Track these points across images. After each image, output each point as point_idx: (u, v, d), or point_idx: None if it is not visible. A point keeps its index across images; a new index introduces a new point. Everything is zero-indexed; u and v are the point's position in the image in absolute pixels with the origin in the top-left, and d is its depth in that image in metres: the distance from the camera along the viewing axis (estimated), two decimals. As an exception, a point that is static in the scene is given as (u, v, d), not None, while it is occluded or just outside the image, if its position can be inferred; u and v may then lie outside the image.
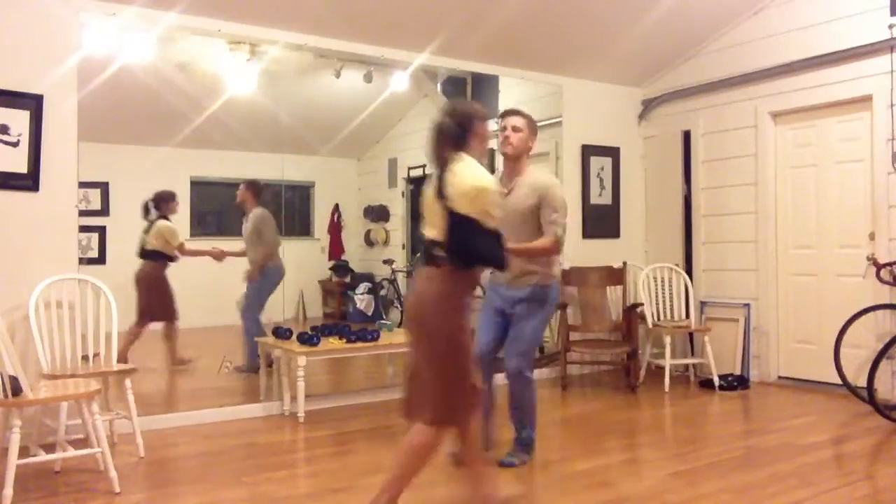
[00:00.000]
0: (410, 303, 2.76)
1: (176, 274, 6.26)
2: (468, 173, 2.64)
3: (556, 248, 3.55)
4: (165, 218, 6.12)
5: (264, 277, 6.20)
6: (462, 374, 2.66)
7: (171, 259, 6.05)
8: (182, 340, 6.39)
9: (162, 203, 6.18)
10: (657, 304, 5.94)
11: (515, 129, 3.59)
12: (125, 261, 6.86)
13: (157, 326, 6.57)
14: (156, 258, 6.02)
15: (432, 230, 2.67)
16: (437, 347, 2.63)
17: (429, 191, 2.72)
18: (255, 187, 6.55)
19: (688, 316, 5.95)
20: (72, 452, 3.44)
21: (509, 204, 3.41)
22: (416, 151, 8.63)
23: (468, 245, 2.61)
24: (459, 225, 2.59)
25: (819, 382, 5.44)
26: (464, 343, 2.69)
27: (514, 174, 3.65)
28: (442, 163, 2.70)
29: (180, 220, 6.53)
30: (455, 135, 2.74)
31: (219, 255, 6.41)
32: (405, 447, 2.72)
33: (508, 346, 3.61)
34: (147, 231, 6.09)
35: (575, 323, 5.89)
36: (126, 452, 3.90)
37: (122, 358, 5.49)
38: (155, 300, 5.95)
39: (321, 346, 4.77)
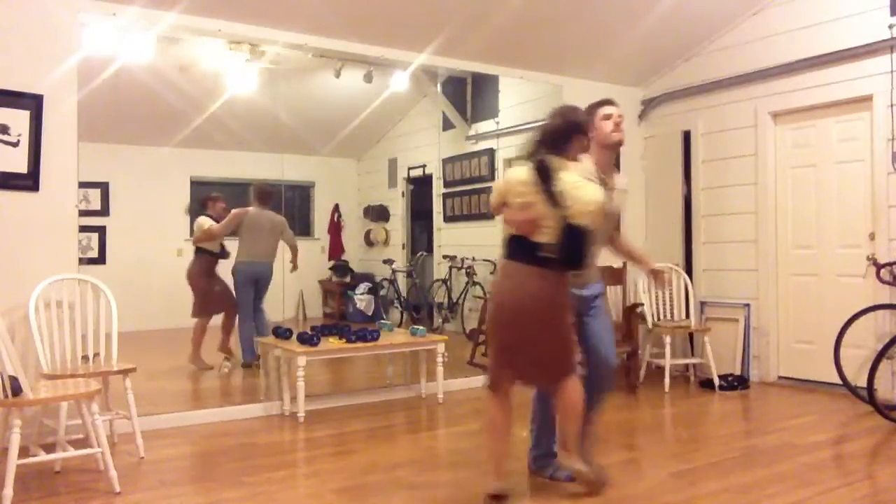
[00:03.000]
0: (524, 297, 2.99)
1: (176, 274, 6.28)
2: (588, 188, 2.99)
3: None
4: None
5: None
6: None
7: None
8: (182, 340, 6.41)
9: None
10: (657, 304, 5.94)
11: (622, 118, 3.34)
12: (125, 261, 6.89)
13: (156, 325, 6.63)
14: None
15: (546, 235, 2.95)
16: (557, 332, 3.06)
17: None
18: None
19: (688, 316, 5.95)
20: (72, 452, 3.44)
21: (610, 199, 3.27)
22: (416, 151, 8.65)
23: (582, 251, 2.99)
24: (574, 233, 2.93)
25: (819, 382, 5.44)
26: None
27: (611, 166, 3.41)
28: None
29: (180, 220, 6.56)
30: (557, 139, 3.05)
31: None
32: (566, 408, 3.12)
33: (606, 341, 3.36)
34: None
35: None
36: (126, 452, 3.90)
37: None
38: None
39: (321, 346, 4.77)
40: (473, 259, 7.77)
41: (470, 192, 7.90)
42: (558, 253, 2.94)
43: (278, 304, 6.95)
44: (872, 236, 5.15)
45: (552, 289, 3.00)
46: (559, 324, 3.05)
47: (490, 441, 3.18)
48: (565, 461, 3.20)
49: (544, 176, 2.95)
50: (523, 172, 3.01)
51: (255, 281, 6.23)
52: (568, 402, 3.10)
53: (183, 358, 6.29)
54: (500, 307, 3.08)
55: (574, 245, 2.95)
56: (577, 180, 2.97)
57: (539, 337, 3.04)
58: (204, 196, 6.59)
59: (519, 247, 3.02)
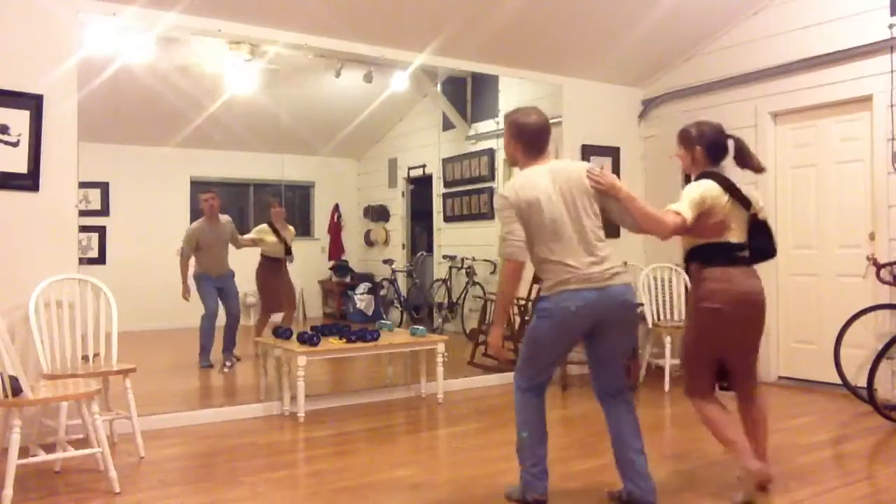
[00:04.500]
0: (760, 296, 3.20)
1: (176, 274, 6.27)
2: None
3: (504, 272, 3.00)
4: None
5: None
6: None
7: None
8: (182, 340, 6.41)
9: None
10: (657, 304, 5.93)
11: None
12: (125, 261, 6.89)
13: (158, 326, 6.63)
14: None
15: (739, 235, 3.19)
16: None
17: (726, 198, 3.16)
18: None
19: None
20: (72, 452, 3.44)
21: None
22: (416, 151, 8.65)
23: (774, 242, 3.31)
24: (766, 227, 3.26)
25: (819, 382, 5.45)
26: None
27: None
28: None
29: (180, 220, 6.56)
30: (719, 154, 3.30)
31: None
32: (764, 414, 3.33)
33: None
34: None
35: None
36: (126, 452, 3.90)
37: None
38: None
39: (321, 346, 4.77)
40: (473, 259, 7.77)
41: (470, 192, 7.89)
42: (752, 249, 3.21)
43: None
44: (872, 236, 5.15)
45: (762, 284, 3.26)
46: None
47: (734, 435, 3.20)
48: (763, 470, 3.19)
49: (732, 184, 3.18)
50: (712, 185, 3.16)
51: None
52: (765, 407, 3.35)
53: (183, 357, 6.31)
54: (732, 312, 3.13)
55: (771, 237, 3.27)
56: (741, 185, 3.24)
57: (761, 333, 3.30)
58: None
59: (719, 252, 3.17)
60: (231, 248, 6.52)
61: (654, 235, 3.16)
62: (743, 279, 3.16)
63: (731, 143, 3.32)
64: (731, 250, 3.18)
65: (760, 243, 3.23)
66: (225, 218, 6.51)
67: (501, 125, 3.52)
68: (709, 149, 3.28)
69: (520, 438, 3.05)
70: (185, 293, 6.21)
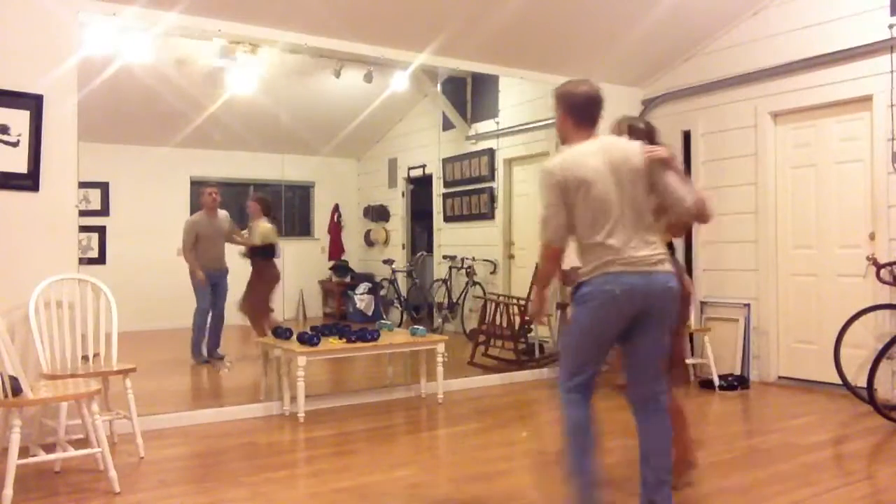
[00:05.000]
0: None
1: (176, 274, 6.28)
2: None
3: (542, 254, 2.89)
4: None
5: None
6: None
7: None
8: (182, 339, 6.41)
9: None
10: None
11: None
12: (125, 261, 6.89)
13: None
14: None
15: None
16: None
17: None
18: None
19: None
20: (72, 452, 3.44)
21: None
22: (416, 151, 8.65)
23: None
24: None
25: (819, 382, 5.44)
26: None
27: None
28: None
29: (180, 220, 6.57)
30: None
31: None
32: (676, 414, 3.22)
33: None
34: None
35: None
36: (126, 452, 3.90)
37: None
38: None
39: (321, 346, 4.77)
40: (473, 259, 7.77)
41: (470, 192, 7.90)
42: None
43: (278, 305, 6.96)
44: (872, 236, 5.15)
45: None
46: None
47: None
48: None
49: None
50: None
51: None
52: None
53: (183, 357, 6.31)
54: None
55: None
56: None
57: None
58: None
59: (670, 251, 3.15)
60: (230, 246, 6.53)
61: (700, 216, 2.95)
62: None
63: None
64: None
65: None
66: (223, 213, 6.52)
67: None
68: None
69: (564, 445, 2.88)
70: (202, 278, 6.24)
